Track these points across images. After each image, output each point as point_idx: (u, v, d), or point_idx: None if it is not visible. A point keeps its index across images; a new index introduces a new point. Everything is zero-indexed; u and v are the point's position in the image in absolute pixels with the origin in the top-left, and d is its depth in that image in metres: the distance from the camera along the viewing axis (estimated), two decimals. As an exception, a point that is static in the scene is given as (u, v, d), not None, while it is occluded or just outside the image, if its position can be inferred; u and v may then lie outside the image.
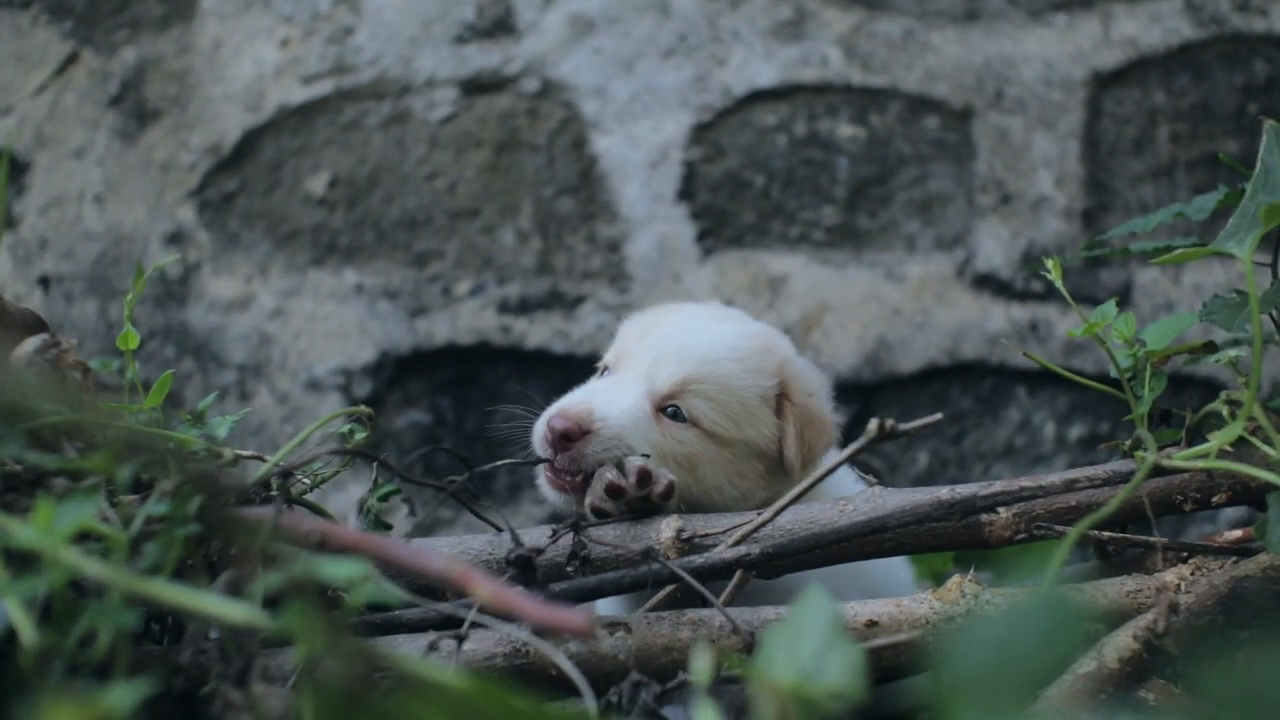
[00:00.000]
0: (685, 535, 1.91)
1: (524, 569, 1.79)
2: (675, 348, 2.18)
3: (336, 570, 1.04)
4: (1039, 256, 2.11)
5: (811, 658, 1.05)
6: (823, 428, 2.21)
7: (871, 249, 3.46)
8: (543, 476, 2.12)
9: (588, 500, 2.01)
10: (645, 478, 1.99)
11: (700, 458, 2.12)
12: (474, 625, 1.68)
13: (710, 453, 2.13)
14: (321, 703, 0.88)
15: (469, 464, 1.99)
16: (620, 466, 2.02)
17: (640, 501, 2.01)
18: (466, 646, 1.68)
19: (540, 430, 2.09)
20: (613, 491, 1.99)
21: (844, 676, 1.03)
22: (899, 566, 2.31)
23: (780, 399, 2.19)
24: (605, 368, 2.27)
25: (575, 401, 2.11)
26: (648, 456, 2.04)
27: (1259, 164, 1.84)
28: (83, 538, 1.33)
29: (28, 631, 1.21)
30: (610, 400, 2.11)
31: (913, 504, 1.90)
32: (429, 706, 0.87)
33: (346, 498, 3.26)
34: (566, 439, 2.04)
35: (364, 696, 0.88)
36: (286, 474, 1.56)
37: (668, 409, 2.13)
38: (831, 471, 1.90)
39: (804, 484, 1.90)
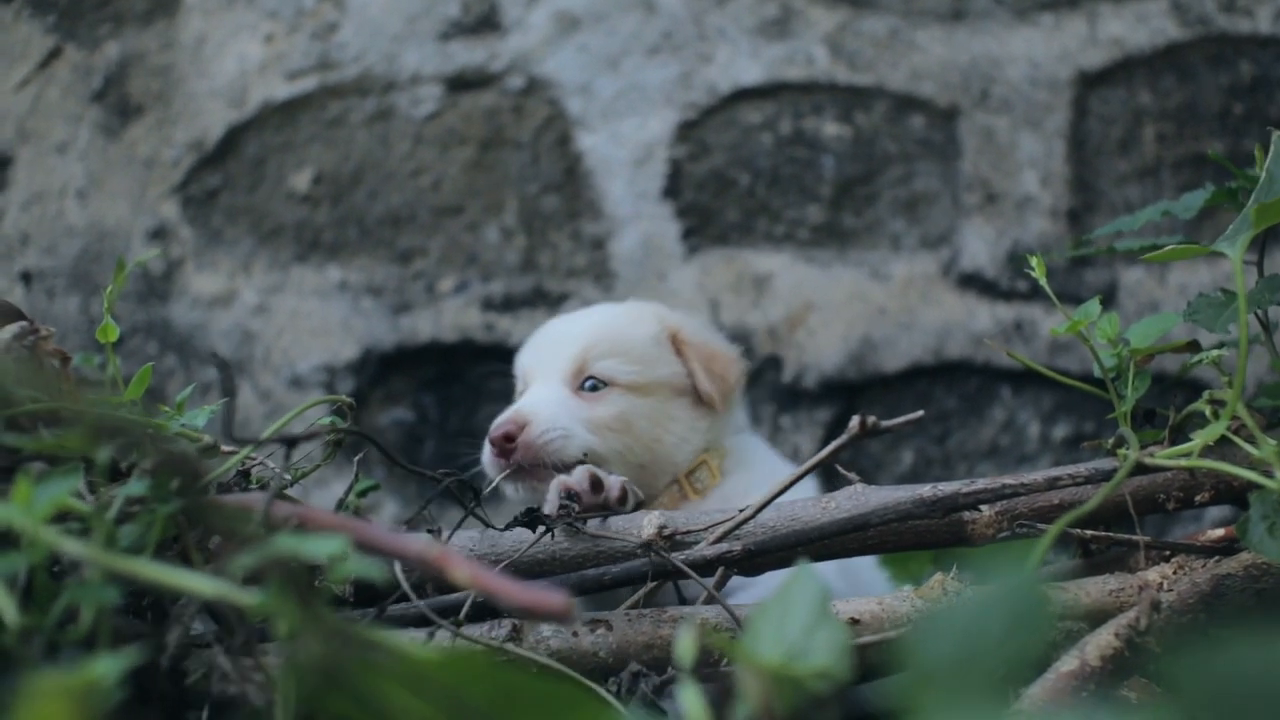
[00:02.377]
0: (667, 532, 1.90)
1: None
2: (559, 337, 2.40)
3: (316, 547, 1.04)
4: (1024, 256, 2.12)
5: (798, 637, 1.05)
6: (727, 360, 2.42)
7: (857, 248, 3.46)
8: (507, 485, 2.26)
9: (545, 509, 2.02)
10: (597, 483, 2.06)
11: (631, 414, 2.31)
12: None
13: (637, 406, 2.32)
14: (299, 678, 0.87)
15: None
16: (569, 472, 2.10)
17: (597, 508, 2.04)
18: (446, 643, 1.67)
19: (486, 455, 2.26)
20: (567, 495, 2.02)
21: (830, 656, 1.03)
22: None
23: (674, 341, 2.38)
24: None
25: (502, 415, 2.27)
26: (584, 460, 2.17)
27: (1263, 173, 1.81)
28: (63, 519, 1.32)
29: (10, 610, 1.20)
30: (531, 400, 2.30)
31: (895, 502, 1.90)
32: (404, 680, 0.86)
33: (328, 495, 3.24)
34: (508, 440, 2.21)
35: (340, 672, 0.87)
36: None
37: (585, 384, 2.32)
38: (814, 468, 1.91)
39: (786, 480, 1.91)
